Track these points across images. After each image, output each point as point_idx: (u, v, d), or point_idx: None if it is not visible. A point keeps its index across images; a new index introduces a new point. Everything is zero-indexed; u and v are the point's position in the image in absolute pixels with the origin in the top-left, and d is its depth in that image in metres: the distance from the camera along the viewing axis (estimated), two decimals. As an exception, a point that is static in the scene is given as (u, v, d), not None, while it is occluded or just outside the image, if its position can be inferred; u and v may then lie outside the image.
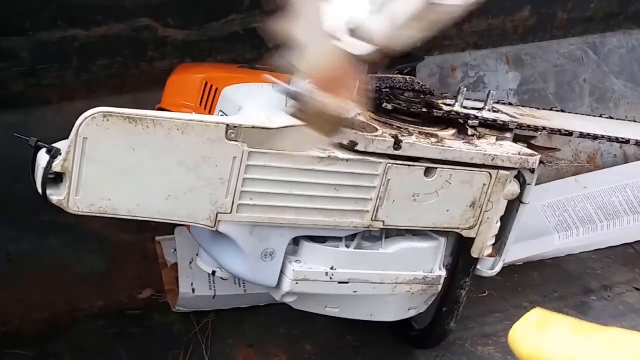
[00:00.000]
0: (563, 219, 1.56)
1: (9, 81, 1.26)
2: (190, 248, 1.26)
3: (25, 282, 1.28)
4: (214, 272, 1.05)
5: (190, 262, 1.26)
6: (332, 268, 1.00)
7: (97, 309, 1.30)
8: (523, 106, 1.25)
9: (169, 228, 1.32)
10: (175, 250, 1.31)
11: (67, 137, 0.83)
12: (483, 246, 1.08)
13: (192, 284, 1.26)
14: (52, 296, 1.28)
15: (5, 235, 1.28)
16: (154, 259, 1.34)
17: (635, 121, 1.49)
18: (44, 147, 0.84)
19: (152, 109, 1.35)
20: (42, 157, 0.83)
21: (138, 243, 1.35)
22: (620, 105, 1.80)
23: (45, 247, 1.30)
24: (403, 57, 1.23)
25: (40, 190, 0.84)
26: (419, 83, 1.14)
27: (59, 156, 0.82)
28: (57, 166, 0.82)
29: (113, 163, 0.84)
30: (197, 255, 1.07)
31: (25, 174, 1.25)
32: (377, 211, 0.98)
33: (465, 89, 1.12)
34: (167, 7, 1.31)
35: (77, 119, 0.82)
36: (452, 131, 1.04)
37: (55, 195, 0.84)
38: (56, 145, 0.84)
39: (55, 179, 0.84)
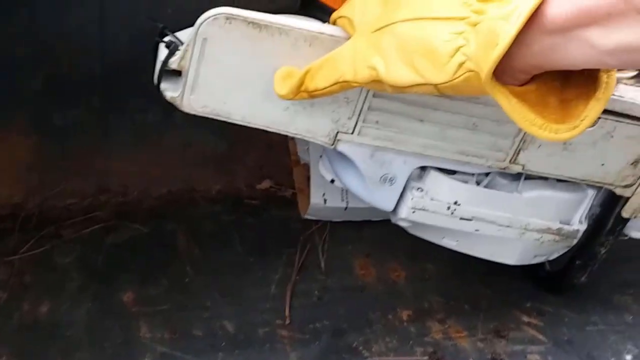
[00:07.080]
0: None
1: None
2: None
3: (147, 155, 1.27)
4: (332, 181, 0.98)
5: (323, 169, 1.19)
6: (455, 203, 0.91)
7: (214, 192, 1.29)
8: None
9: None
10: (308, 148, 1.24)
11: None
12: (638, 207, 0.95)
13: (323, 194, 1.20)
14: (171, 173, 1.27)
15: (134, 103, 1.27)
16: (277, 151, 1.30)
17: None
18: (167, 37, 0.77)
19: None
20: (162, 51, 0.77)
21: (264, 132, 1.30)
22: None
23: (170, 122, 1.28)
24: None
25: (155, 83, 0.80)
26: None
27: (177, 52, 0.76)
28: (173, 63, 0.76)
29: (232, 67, 0.77)
30: (320, 156, 1.00)
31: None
32: (517, 154, 0.86)
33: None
34: None
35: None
36: (631, 73, 0.89)
37: (170, 92, 0.79)
38: (182, 33, 0.78)
39: (174, 72, 0.78)
